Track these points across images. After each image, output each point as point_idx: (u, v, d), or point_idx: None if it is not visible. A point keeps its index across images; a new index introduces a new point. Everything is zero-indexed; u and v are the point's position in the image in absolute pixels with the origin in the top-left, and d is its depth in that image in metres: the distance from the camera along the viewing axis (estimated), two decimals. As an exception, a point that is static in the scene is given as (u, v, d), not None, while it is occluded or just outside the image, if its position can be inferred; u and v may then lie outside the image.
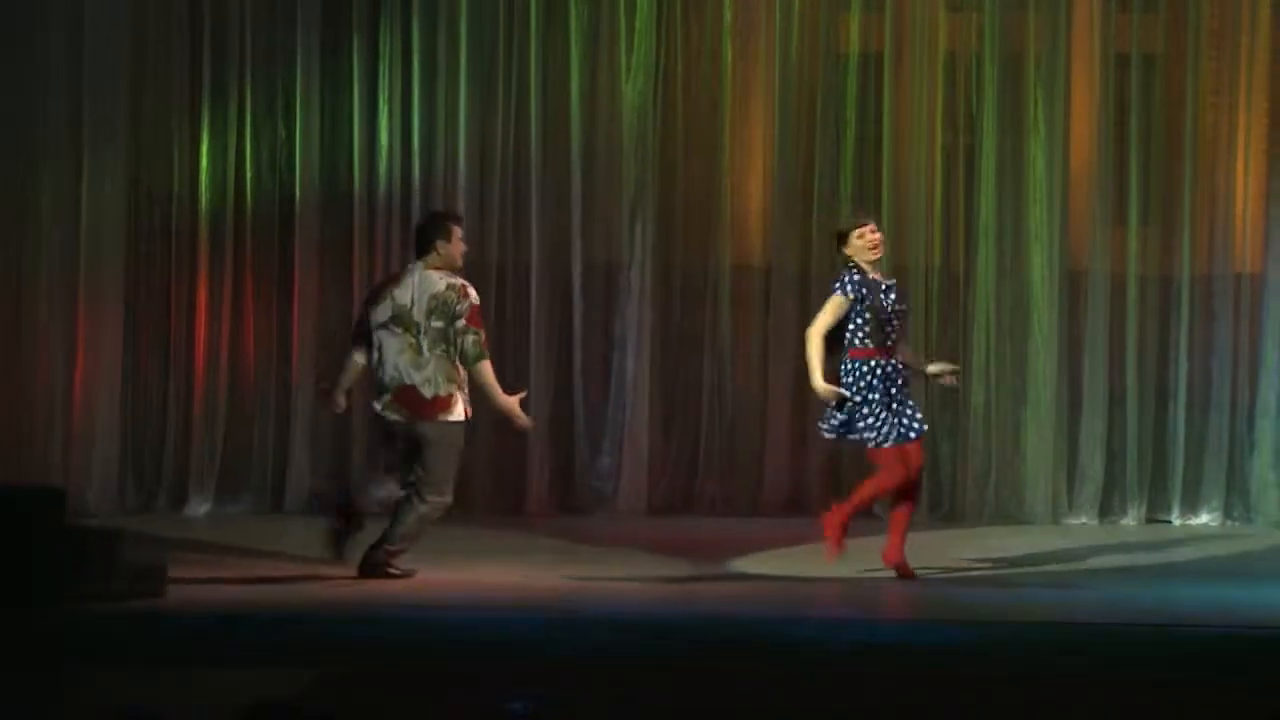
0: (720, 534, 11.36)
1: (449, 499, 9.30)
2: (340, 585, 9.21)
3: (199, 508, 12.30)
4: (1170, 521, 12.10)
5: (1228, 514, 12.11)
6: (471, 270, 12.48)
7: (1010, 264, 12.33)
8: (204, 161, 12.51)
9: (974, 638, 7.85)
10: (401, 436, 9.28)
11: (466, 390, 9.32)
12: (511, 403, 9.44)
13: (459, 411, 9.29)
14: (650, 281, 12.49)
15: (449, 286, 9.32)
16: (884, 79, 12.44)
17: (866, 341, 9.26)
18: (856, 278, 9.29)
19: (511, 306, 12.54)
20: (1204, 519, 12.11)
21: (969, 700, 6.51)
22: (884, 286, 9.35)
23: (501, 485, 12.50)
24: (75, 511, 10.32)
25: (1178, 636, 7.99)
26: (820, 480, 12.24)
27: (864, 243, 9.34)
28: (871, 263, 9.36)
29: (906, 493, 9.39)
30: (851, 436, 9.38)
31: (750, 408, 12.43)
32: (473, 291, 9.39)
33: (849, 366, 9.26)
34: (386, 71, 12.52)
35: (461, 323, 9.25)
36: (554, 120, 12.52)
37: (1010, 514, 12.19)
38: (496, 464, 12.44)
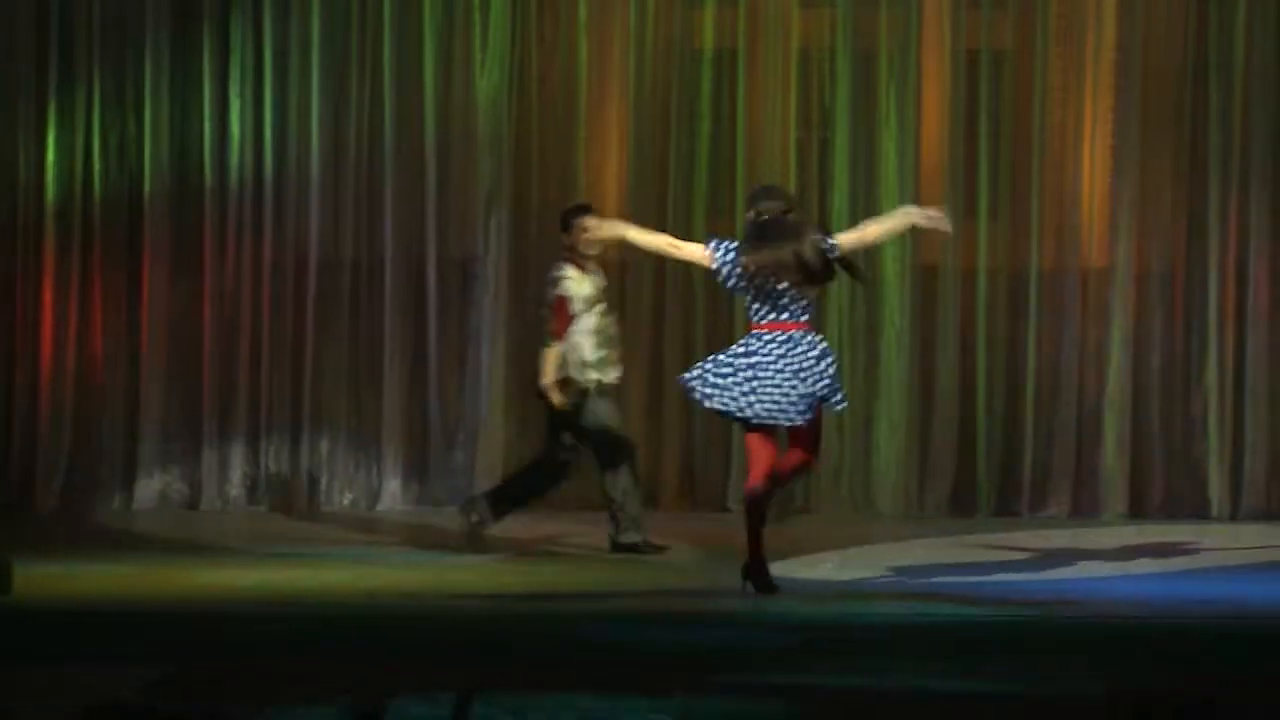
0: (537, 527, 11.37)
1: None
2: (187, 581, 9.15)
3: (46, 504, 12.13)
4: (1019, 514, 12.25)
5: (1075, 506, 12.28)
6: (325, 264, 12.47)
7: (863, 259, 12.41)
8: (51, 155, 12.33)
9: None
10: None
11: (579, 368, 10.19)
12: (549, 388, 10.18)
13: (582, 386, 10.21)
14: (505, 275, 12.47)
15: (549, 277, 10.33)
16: (738, 74, 12.50)
17: None
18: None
19: (366, 300, 12.47)
20: (1052, 511, 12.27)
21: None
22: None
23: (356, 480, 12.43)
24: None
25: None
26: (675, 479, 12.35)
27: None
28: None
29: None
30: None
31: (605, 403, 12.44)
32: (565, 280, 10.24)
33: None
34: (238, 63, 12.40)
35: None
36: (408, 113, 12.46)
37: (862, 507, 12.31)
38: (354, 458, 12.38)
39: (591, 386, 10.22)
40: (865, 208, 12.36)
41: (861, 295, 12.36)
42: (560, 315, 10.20)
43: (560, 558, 10.47)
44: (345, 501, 12.40)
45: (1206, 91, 12.32)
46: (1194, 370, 12.35)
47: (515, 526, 10.66)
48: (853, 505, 12.33)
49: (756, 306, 8.85)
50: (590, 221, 10.09)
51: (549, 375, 10.18)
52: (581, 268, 10.28)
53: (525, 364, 12.49)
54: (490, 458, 12.38)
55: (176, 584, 9.16)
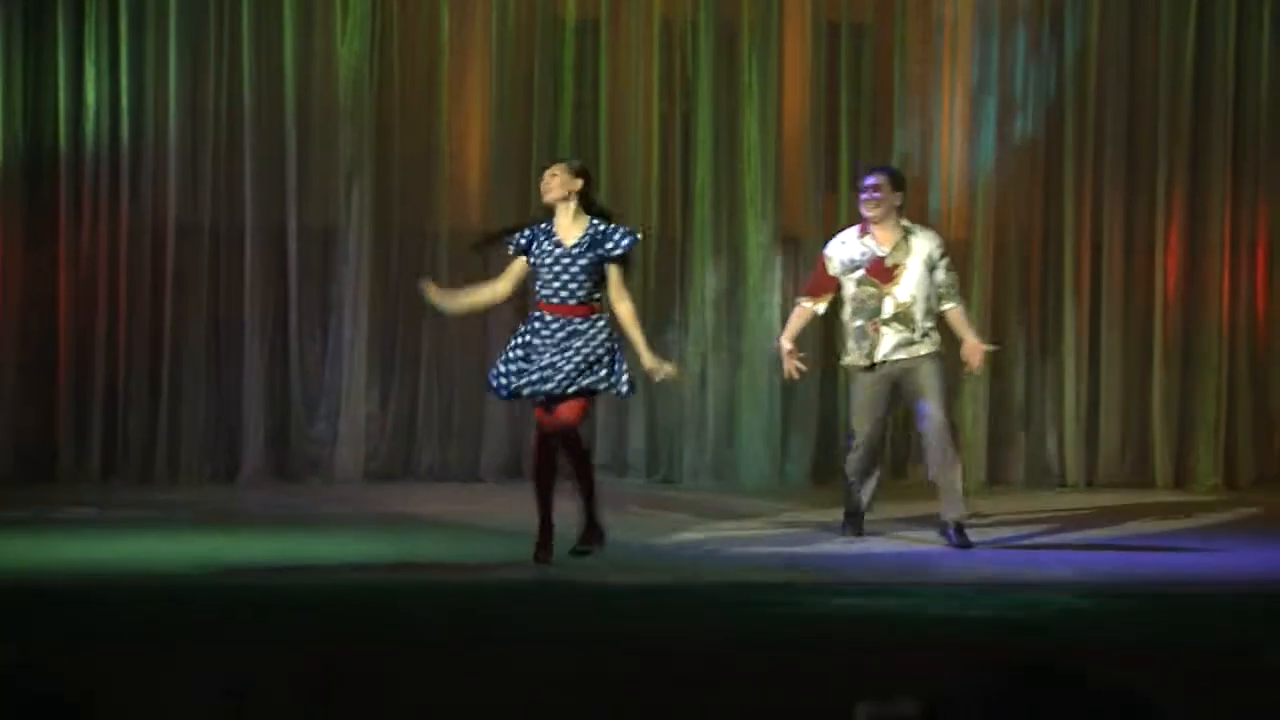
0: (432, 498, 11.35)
1: None
2: (46, 555, 9.02)
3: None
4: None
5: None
6: (185, 233, 12.32)
7: (726, 230, 12.49)
8: (-101, 123, 12.09)
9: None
10: None
11: None
12: None
13: None
14: (368, 245, 12.39)
15: None
16: (600, 45, 12.49)
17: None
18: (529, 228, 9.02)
19: (225, 271, 12.34)
20: (910, 479, 12.38)
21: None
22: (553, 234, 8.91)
23: (215, 451, 12.31)
24: None
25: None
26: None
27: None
28: (547, 206, 8.95)
29: (543, 456, 8.96)
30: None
31: (469, 373, 12.42)
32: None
33: None
34: (93, 30, 12.19)
35: None
36: (267, 81, 12.33)
37: (728, 478, 12.38)
38: (214, 429, 12.27)
39: None
40: (728, 181, 12.43)
41: (725, 267, 12.41)
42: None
43: (446, 529, 10.37)
44: (205, 473, 12.28)
45: (1062, 63, 12.48)
46: (1050, 340, 12.53)
47: (435, 499, 10.57)
48: (717, 478, 12.39)
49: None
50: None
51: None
52: None
53: (388, 336, 12.49)
54: (353, 429, 12.31)
55: (29, 559, 9.02)
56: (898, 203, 9.73)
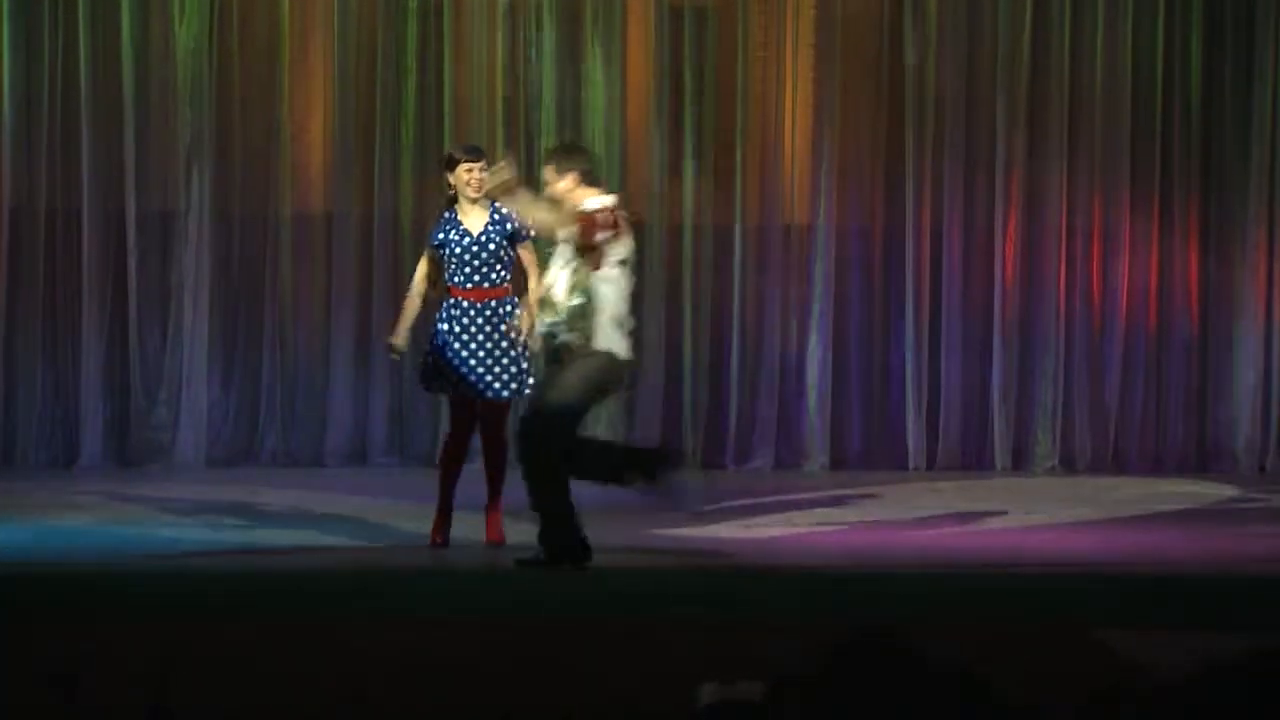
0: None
1: None
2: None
3: None
4: (725, 467, 12.42)
5: (778, 460, 12.50)
6: (19, 217, 12.12)
7: (570, 215, 12.46)
8: None
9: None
10: None
11: None
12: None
13: None
14: (208, 229, 12.25)
15: None
16: (444, 28, 12.43)
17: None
18: (444, 215, 9.16)
19: (62, 255, 12.16)
20: (756, 464, 12.47)
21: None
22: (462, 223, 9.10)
23: (53, 439, 12.14)
24: None
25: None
26: (385, 431, 12.31)
27: (464, 178, 9.08)
28: (471, 200, 9.08)
29: (460, 454, 9.19)
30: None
31: (312, 358, 12.33)
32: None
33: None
34: (-76, 9, 11.97)
35: None
36: (104, 63, 12.15)
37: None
38: (51, 415, 12.09)
39: None
40: (572, 164, 12.39)
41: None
42: None
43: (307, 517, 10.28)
44: (42, 460, 12.10)
45: (902, 50, 12.58)
46: (891, 324, 12.65)
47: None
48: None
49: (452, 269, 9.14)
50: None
51: None
52: None
53: (230, 320, 12.36)
54: (195, 415, 12.18)
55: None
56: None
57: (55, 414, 12.15)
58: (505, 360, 9.03)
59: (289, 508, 10.50)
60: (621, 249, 8.54)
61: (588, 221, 8.40)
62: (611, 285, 8.49)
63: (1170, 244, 12.62)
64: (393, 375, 12.25)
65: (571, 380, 8.45)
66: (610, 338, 8.51)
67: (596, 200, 8.53)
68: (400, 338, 9.31)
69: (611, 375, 8.64)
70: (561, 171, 8.57)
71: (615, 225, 8.47)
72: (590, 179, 8.66)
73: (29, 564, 8.47)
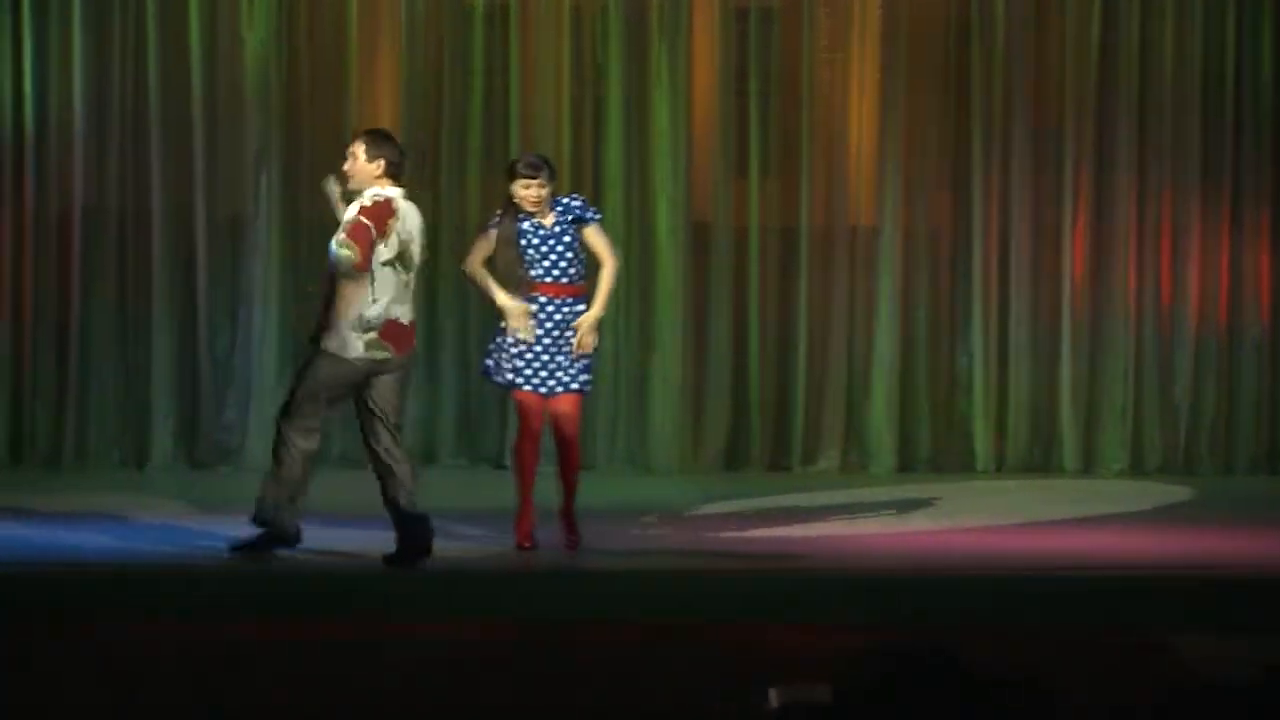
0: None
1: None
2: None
3: None
4: (791, 469, 12.40)
5: (844, 461, 12.47)
6: (90, 221, 12.23)
7: (637, 216, 12.49)
8: None
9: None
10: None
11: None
12: None
13: None
14: (277, 234, 12.33)
15: None
16: (510, 31, 12.45)
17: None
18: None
19: (133, 260, 12.26)
20: (822, 465, 12.44)
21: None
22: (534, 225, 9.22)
23: (124, 437, 12.24)
24: None
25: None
26: (454, 432, 12.34)
27: (520, 194, 9.18)
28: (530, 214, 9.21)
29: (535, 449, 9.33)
30: None
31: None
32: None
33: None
34: (-7, 14, 12.10)
35: None
36: (173, 69, 12.24)
37: (638, 462, 12.39)
38: (121, 415, 12.19)
39: None
40: (639, 167, 12.44)
41: (636, 253, 12.41)
42: None
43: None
44: (114, 460, 12.20)
45: (969, 50, 12.53)
46: (959, 327, 12.60)
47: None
48: (629, 461, 12.40)
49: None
50: None
51: None
52: None
53: (298, 324, 12.42)
54: (264, 417, 12.24)
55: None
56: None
57: (127, 414, 12.25)
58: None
59: (356, 508, 10.52)
60: (386, 250, 8.68)
61: (363, 214, 8.60)
62: (362, 285, 8.59)
63: (1240, 243, 12.53)
64: (461, 377, 12.30)
65: (303, 375, 8.82)
66: (344, 337, 8.64)
67: (385, 192, 8.69)
68: (518, 319, 9.18)
69: (335, 375, 8.73)
70: (371, 158, 8.75)
71: (382, 222, 8.57)
72: (395, 170, 8.83)
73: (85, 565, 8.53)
